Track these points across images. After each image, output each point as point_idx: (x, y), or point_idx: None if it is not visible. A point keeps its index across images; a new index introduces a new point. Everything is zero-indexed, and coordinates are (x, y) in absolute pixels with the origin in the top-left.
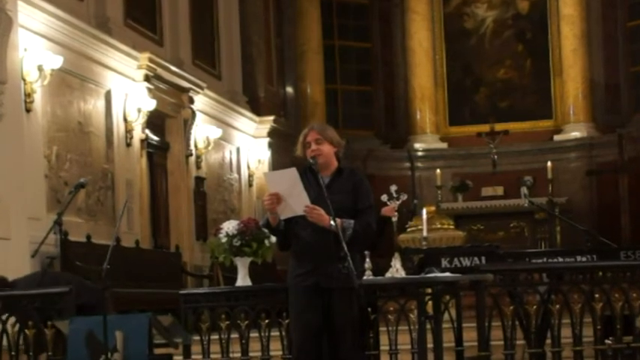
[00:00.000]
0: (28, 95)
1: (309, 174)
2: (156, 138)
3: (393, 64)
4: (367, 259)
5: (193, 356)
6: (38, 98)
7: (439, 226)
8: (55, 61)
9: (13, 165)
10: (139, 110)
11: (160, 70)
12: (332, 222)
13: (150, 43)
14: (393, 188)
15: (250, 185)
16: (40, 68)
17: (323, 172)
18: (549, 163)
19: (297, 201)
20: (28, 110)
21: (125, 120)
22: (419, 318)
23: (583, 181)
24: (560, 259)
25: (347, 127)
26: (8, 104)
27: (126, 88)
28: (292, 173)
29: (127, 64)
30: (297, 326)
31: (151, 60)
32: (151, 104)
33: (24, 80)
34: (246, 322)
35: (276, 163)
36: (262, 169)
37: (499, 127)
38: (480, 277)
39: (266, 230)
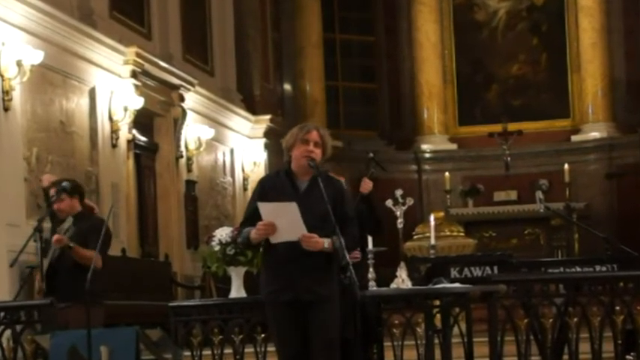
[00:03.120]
0: (6, 93)
1: (283, 176)
2: (143, 138)
3: (399, 59)
4: (371, 269)
5: None
6: (17, 96)
7: (448, 233)
8: (35, 56)
9: None
10: (126, 109)
11: (148, 66)
12: (325, 244)
13: (137, 37)
14: (399, 192)
15: (245, 189)
16: (19, 64)
17: (301, 176)
18: (566, 166)
19: (292, 229)
20: (6, 109)
21: (111, 119)
22: (426, 332)
23: (602, 184)
24: (578, 269)
25: (349, 126)
26: None
27: (111, 84)
28: (292, 207)
29: (112, 60)
30: (279, 347)
31: (138, 55)
32: (139, 102)
33: (1, 77)
34: (241, 337)
35: (273, 166)
36: (258, 171)
37: (512, 126)
38: (491, 289)
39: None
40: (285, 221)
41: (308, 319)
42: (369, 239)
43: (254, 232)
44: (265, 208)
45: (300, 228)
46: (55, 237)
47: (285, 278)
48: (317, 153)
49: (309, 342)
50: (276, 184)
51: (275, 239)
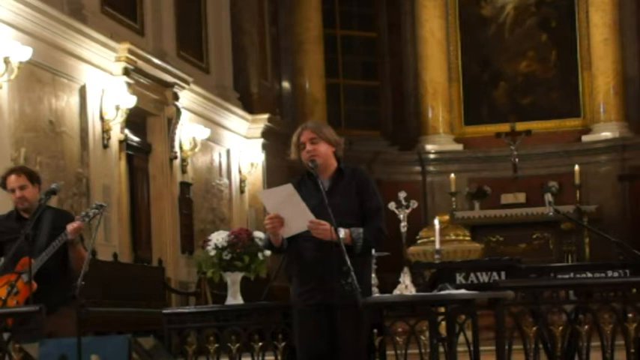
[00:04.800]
0: None
1: (307, 180)
2: (136, 139)
3: (402, 55)
4: (373, 275)
5: None
6: (4, 94)
7: (453, 237)
8: (23, 52)
9: None
10: (118, 108)
11: (140, 63)
12: (341, 234)
13: (129, 33)
14: (402, 195)
15: (242, 192)
16: (6, 60)
17: (322, 175)
18: (577, 167)
19: (299, 217)
20: None
21: (102, 119)
22: (431, 340)
23: (614, 186)
24: (589, 275)
25: (350, 126)
26: None
27: (103, 82)
28: (288, 189)
29: (103, 56)
30: (301, 350)
31: (130, 51)
32: (131, 101)
33: None
34: (238, 345)
35: (271, 167)
36: (255, 173)
37: (520, 126)
38: (499, 295)
39: (268, 252)
40: (290, 211)
41: (336, 322)
42: None
43: (267, 230)
44: (265, 196)
45: (307, 215)
46: (75, 225)
47: (312, 281)
48: (317, 149)
49: (336, 346)
50: (301, 188)
51: (286, 233)
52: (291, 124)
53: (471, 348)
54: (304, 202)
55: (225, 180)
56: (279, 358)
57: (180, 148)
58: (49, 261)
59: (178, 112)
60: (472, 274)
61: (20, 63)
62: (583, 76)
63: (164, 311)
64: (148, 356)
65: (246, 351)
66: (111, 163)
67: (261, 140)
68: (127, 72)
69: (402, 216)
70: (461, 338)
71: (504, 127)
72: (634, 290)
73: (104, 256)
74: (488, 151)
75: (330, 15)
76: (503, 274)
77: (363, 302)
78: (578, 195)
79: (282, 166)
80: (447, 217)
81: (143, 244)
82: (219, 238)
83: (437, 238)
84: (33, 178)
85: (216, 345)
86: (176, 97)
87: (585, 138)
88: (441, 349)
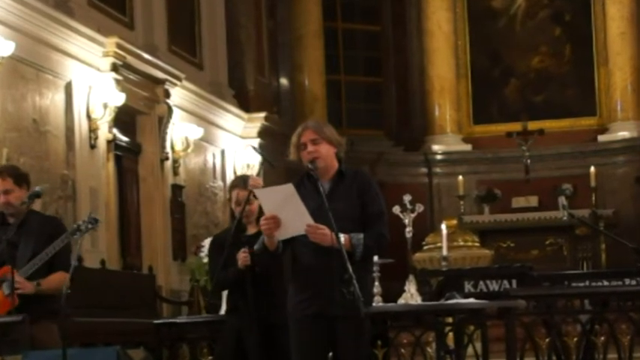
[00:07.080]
0: None
1: (306, 182)
2: (125, 139)
3: (407, 50)
4: (376, 283)
5: None
6: None
7: (462, 243)
8: (5, 47)
9: None
10: (106, 106)
11: (130, 58)
12: (341, 239)
13: (118, 26)
14: (407, 198)
15: None
16: None
17: (322, 177)
18: (592, 169)
19: (297, 220)
20: None
21: (89, 117)
22: (437, 352)
23: (632, 189)
24: (606, 283)
25: (352, 125)
26: None
27: (90, 79)
28: (288, 189)
29: (90, 51)
30: None
31: (119, 46)
32: (120, 98)
33: None
34: None
35: (268, 169)
36: (251, 175)
37: (533, 125)
38: (510, 304)
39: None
40: (289, 212)
41: (336, 334)
42: None
43: (263, 232)
44: (263, 195)
45: (306, 218)
46: (22, 287)
47: (310, 289)
48: (318, 150)
49: (335, 359)
50: (299, 190)
51: (281, 235)
52: (290, 123)
53: None
54: (305, 203)
55: (219, 182)
56: None
57: (172, 148)
58: (33, 272)
59: (170, 110)
60: (481, 282)
61: (2, 58)
62: (599, 73)
63: (155, 321)
64: None
65: None
66: (98, 165)
67: (258, 140)
68: (115, 68)
69: (407, 220)
70: (469, 350)
71: (515, 127)
72: None
73: (91, 262)
74: (498, 151)
75: (331, 7)
76: (514, 282)
77: (365, 312)
78: (593, 198)
79: (280, 167)
80: (454, 222)
81: (132, 250)
82: None
83: (444, 244)
84: (21, 179)
85: (210, 357)
86: (167, 95)
87: (601, 138)
88: None
